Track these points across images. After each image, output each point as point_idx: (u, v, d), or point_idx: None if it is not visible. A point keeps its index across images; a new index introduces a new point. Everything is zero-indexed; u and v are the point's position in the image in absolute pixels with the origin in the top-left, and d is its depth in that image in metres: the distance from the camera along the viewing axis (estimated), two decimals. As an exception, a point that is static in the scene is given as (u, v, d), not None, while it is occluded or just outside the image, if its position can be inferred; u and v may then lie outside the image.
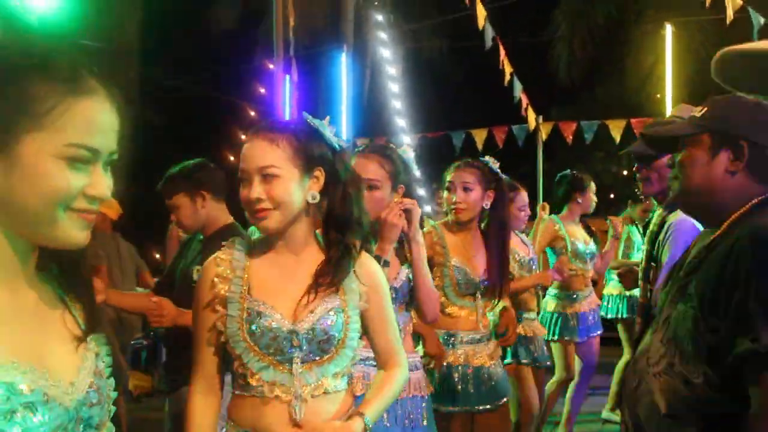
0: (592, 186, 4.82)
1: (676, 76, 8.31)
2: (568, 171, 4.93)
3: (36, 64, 1.01)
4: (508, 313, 3.45)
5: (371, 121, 11.96)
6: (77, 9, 4.00)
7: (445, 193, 3.26)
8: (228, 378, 1.82)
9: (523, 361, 4.09)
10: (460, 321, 3.16)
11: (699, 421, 1.37)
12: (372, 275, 1.85)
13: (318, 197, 1.76)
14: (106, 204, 1.19)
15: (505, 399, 3.21)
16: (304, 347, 1.70)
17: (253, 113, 10.74)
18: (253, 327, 1.69)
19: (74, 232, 1.07)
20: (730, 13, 5.49)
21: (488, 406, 3.12)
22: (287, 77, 6.20)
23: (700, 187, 1.58)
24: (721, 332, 1.33)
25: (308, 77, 9.25)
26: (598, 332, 4.94)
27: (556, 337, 4.81)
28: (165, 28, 11.72)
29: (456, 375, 3.10)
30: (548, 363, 4.31)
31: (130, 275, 5.40)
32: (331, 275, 1.75)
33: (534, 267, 4.20)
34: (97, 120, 1.05)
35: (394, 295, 2.38)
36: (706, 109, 1.63)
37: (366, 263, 1.85)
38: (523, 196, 4.36)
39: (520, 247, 4.20)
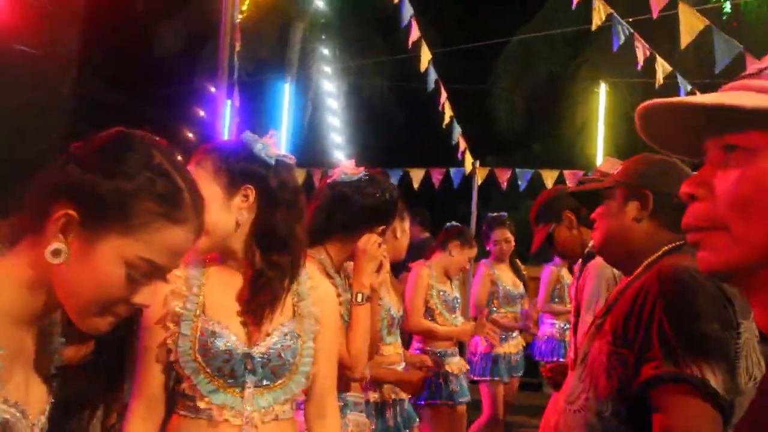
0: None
1: (607, 132, 8.65)
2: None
3: (147, 185, 1.07)
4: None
5: (310, 152, 11.95)
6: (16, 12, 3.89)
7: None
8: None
9: (446, 400, 4.09)
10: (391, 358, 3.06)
11: None
12: (324, 300, 1.81)
13: (245, 216, 1.70)
14: None
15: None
16: (258, 371, 1.65)
17: (190, 135, 10.59)
18: (206, 347, 1.62)
19: (99, 326, 1.09)
20: (659, 78, 5.77)
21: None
22: (229, 102, 6.15)
23: (613, 235, 1.73)
24: (629, 363, 1.42)
25: (250, 104, 9.20)
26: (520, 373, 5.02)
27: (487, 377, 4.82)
28: (106, 43, 11.52)
29: (389, 411, 2.99)
30: (466, 399, 4.30)
31: None
32: (256, 295, 1.68)
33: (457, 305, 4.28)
34: (177, 246, 1.11)
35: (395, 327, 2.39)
36: (622, 167, 1.81)
37: (322, 287, 1.83)
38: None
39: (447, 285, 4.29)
